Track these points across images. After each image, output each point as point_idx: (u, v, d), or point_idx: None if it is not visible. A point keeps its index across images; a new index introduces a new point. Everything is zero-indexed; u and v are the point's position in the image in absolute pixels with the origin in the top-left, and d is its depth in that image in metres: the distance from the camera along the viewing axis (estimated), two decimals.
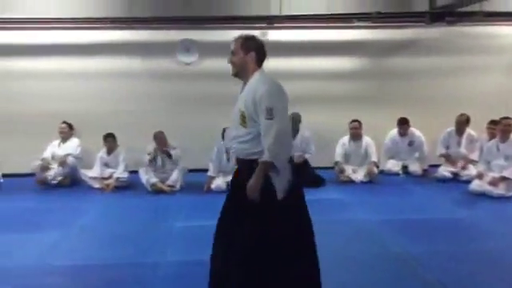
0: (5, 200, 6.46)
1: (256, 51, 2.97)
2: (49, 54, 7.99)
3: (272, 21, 8.02)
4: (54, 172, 7.21)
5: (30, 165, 7.28)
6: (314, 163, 7.41)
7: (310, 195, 6.34)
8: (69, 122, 7.69)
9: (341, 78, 8.49)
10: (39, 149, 7.44)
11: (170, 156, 7.09)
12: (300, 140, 7.44)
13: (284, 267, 2.81)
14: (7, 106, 7.87)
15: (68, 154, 7.40)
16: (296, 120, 7.40)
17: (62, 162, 7.26)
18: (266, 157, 2.73)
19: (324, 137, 7.90)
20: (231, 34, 8.57)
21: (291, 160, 2.90)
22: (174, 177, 6.96)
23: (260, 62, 3.00)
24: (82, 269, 4.04)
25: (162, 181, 6.90)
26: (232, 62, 3.00)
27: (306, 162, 7.30)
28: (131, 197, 6.69)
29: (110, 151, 7.37)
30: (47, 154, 7.44)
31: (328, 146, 7.76)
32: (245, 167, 2.90)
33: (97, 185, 7.10)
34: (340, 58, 8.52)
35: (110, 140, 7.35)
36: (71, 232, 5.04)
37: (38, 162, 7.26)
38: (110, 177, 7.17)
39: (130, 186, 7.13)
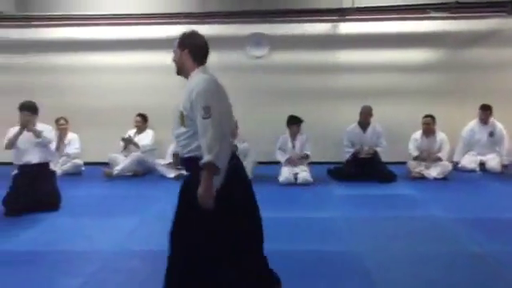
0: (86, 187, 6.84)
1: (190, 48, 2.87)
2: (126, 49, 8.36)
3: (344, 13, 7.91)
4: (122, 166, 7.45)
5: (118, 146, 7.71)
6: (384, 158, 7.26)
7: (381, 190, 6.35)
8: (144, 114, 7.99)
9: (415, 71, 8.25)
10: (117, 139, 7.80)
11: (236, 149, 7.20)
12: (371, 133, 7.31)
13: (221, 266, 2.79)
14: (87, 100, 8.33)
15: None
16: (367, 113, 7.28)
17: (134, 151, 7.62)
18: (206, 158, 2.60)
19: (395, 131, 7.72)
20: (302, 28, 8.73)
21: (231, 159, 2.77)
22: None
23: (199, 59, 2.89)
24: (158, 254, 4.14)
25: None
26: (174, 61, 2.93)
27: (376, 157, 7.17)
28: None
29: None
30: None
31: (399, 141, 7.57)
32: (188, 165, 2.84)
33: (170, 174, 7.35)
34: (414, 50, 8.27)
35: None
36: (147, 219, 5.26)
37: (121, 143, 7.67)
38: (182, 167, 7.39)
39: None
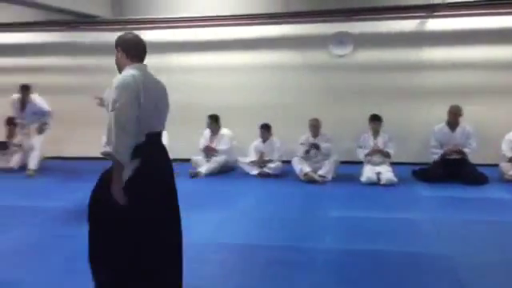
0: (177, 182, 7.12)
1: (122, 47, 2.97)
2: (211, 49, 8.64)
3: (433, 9, 7.66)
4: (206, 169, 7.59)
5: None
6: (474, 160, 6.95)
7: (471, 193, 6.10)
8: (215, 115, 7.92)
9: (508, 69, 7.80)
10: (197, 136, 8.02)
11: (317, 148, 7.22)
12: (460, 134, 7.02)
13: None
14: (174, 98, 8.58)
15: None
16: (455, 113, 7.00)
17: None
18: (105, 149, 2.70)
19: (486, 132, 7.36)
20: (387, 25, 8.55)
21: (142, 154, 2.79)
22: (326, 168, 7.07)
23: (131, 56, 2.97)
24: (246, 247, 4.34)
25: (315, 171, 7.06)
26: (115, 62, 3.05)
27: (464, 158, 6.88)
28: (285, 184, 6.97)
29: (264, 140, 7.75)
30: (201, 146, 7.91)
31: (491, 142, 7.21)
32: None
33: (253, 171, 7.52)
34: (507, 47, 7.81)
35: (265, 130, 7.72)
36: (234, 213, 5.43)
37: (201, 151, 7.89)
38: (264, 165, 7.54)
39: (282, 174, 7.44)
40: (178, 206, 3.20)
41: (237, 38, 8.54)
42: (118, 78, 2.82)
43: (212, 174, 7.56)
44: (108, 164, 2.83)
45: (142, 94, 2.78)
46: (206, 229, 4.84)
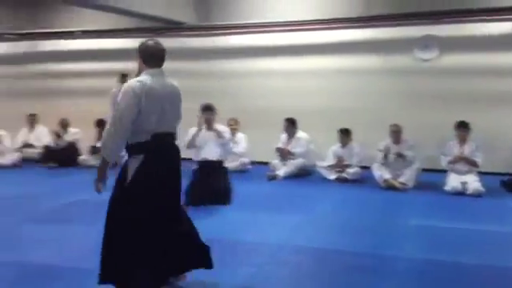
0: (253, 184, 7.26)
1: (141, 53, 3.20)
2: (291, 54, 8.72)
3: None
4: (284, 173, 7.66)
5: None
6: None
7: None
8: (291, 118, 7.99)
9: None
10: (276, 140, 8.09)
11: (401, 156, 7.03)
12: None
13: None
14: (256, 102, 8.88)
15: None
16: None
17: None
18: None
19: None
20: (475, 28, 8.18)
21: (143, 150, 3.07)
22: (407, 175, 6.87)
23: (148, 63, 3.17)
24: (322, 252, 4.33)
25: (395, 177, 6.89)
26: None
27: None
28: (364, 190, 6.87)
29: (344, 145, 7.68)
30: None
31: None
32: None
33: (331, 176, 7.47)
34: None
35: (344, 134, 7.64)
36: (311, 217, 5.44)
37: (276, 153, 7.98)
38: (342, 169, 7.47)
39: (361, 180, 7.33)
40: (178, 201, 3.43)
41: (317, 43, 8.57)
42: (128, 83, 3.11)
43: (289, 178, 7.61)
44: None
45: (143, 97, 3.01)
46: (281, 231, 4.89)
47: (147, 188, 3.10)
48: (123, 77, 8.31)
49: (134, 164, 3.09)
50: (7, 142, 8.54)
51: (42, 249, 4.30)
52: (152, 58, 3.22)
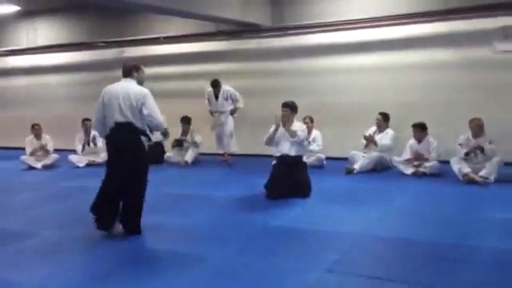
0: (330, 179, 7.42)
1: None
2: (368, 50, 8.79)
3: None
4: (360, 165, 7.80)
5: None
6: None
7: None
8: (385, 113, 8.19)
9: None
10: (357, 137, 8.24)
11: (481, 150, 6.93)
12: None
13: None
14: (332, 98, 9.05)
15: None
16: None
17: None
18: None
19: None
20: None
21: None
22: (488, 168, 6.75)
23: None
24: (403, 242, 4.45)
25: (475, 171, 6.82)
26: None
27: None
28: (443, 184, 6.84)
29: (420, 140, 7.68)
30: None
31: None
32: None
33: (408, 170, 7.51)
34: None
35: (419, 129, 7.64)
36: (390, 209, 5.56)
37: (363, 141, 8.10)
38: (420, 164, 7.49)
39: (439, 174, 7.30)
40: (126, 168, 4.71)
41: (392, 38, 8.57)
42: None
43: (366, 172, 7.74)
44: None
45: (104, 98, 4.69)
46: (361, 222, 5.07)
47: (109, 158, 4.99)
48: (216, 83, 8.94)
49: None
50: (100, 143, 9.28)
51: (152, 235, 4.80)
52: (123, 70, 4.89)
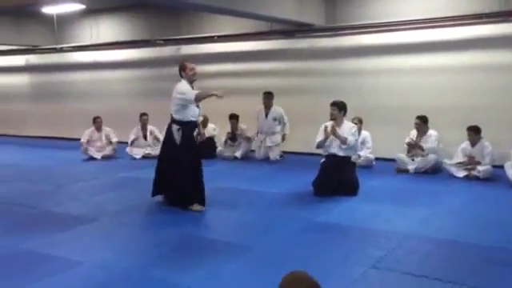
0: (379, 179, 7.40)
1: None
2: (417, 51, 8.67)
3: None
4: (415, 167, 7.76)
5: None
6: None
7: None
8: (423, 116, 7.96)
9: None
10: (403, 137, 8.16)
11: None
12: None
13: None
14: (380, 99, 8.99)
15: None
16: None
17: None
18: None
19: None
20: None
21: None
22: None
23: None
24: (451, 243, 4.46)
25: None
26: None
27: None
28: (495, 189, 6.71)
29: (473, 143, 7.53)
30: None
31: None
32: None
33: (460, 174, 7.39)
34: None
35: (473, 132, 7.47)
36: (441, 211, 5.54)
37: (405, 146, 8.04)
38: (473, 167, 7.36)
39: (492, 179, 7.15)
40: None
41: (447, 39, 8.42)
42: None
43: (416, 174, 7.69)
44: None
45: None
46: (409, 222, 5.10)
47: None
48: (270, 96, 9.18)
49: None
50: (159, 136, 9.67)
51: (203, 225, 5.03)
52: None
